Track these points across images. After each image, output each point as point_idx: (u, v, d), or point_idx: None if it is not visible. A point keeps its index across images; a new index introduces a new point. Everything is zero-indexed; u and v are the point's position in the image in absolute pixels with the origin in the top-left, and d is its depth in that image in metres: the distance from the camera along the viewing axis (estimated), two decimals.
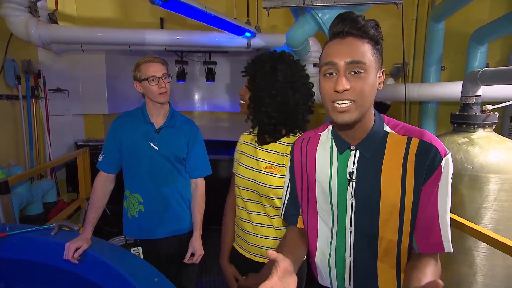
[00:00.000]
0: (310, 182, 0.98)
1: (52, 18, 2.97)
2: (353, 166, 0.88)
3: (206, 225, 1.69)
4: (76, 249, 1.32)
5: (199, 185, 1.69)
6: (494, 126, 1.71)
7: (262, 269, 1.24)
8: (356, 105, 0.80)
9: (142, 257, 1.58)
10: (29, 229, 1.45)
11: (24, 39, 2.70)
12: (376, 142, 0.86)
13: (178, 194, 1.65)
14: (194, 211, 1.67)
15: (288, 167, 1.08)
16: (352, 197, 0.88)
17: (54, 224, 1.48)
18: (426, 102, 3.21)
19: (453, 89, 2.49)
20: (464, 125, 1.72)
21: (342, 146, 0.91)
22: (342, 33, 0.80)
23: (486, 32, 2.66)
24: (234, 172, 1.40)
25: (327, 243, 0.96)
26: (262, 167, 1.25)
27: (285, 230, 1.23)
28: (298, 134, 1.25)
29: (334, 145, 0.93)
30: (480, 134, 1.67)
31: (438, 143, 0.82)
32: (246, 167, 1.32)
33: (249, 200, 1.31)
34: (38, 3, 2.74)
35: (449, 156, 0.81)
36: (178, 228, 1.66)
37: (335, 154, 0.92)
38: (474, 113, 1.70)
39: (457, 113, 1.77)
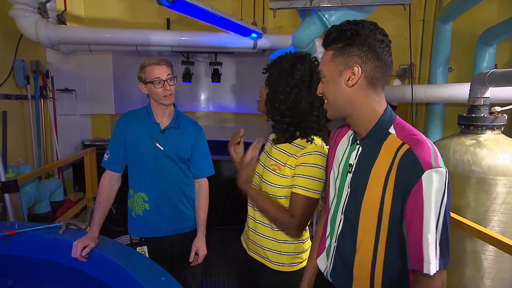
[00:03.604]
0: (329, 166, 1.05)
1: (61, 19, 3.00)
2: (354, 159, 0.94)
3: (210, 226, 1.70)
4: (84, 248, 1.34)
5: (202, 185, 1.71)
6: (502, 128, 1.69)
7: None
8: (328, 104, 0.94)
9: (147, 255, 1.60)
10: (38, 227, 1.47)
11: (33, 40, 2.74)
12: (375, 140, 0.89)
13: (181, 193, 1.67)
14: (198, 211, 1.69)
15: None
16: (348, 187, 0.94)
17: (62, 223, 1.50)
18: (433, 104, 3.19)
19: (461, 90, 2.47)
20: (472, 127, 1.70)
21: (354, 139, 0.98)
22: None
23: (495, 33, 2.63)
24: None
25: (328, 225, 1.04)
26: (269, 164, 1.27)
27: (282, 233, 1.24)
28: (313, 137, 1.23)
29: (352, 137, 1.00)
30: (488, 136, 1.66)
31: (425, 155, 0.78)
32: (260, 163, 1.34)
33: None
34: (47, 4, 2.77)
35: (436, 170, 0.76)
36: (182, 226, 1.68)
37: (350, 144, 0.99)
38: (482, 114, 1.68)
39: (464, 114, 1.76)
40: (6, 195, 2.00)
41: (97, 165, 3.30)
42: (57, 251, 1.39)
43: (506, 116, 1.68)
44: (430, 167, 0.77)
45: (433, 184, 0.77)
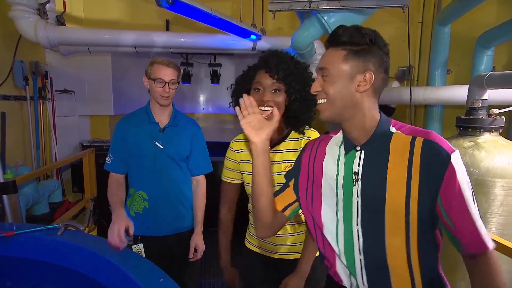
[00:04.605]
0: (315, 176, 0.98)
1: (60, 20, 3.00)
2: (358, 166, 0.89)
3: (207, 227, 1.70)
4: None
5: (200, 183, 1.72)
6: (500, 130, 1.70)
7: (297, 269, 1.21)
8: (327, 104, 0.88)
9: (143, 254, 1.60)
10: (36, 229, 1.46)
11: (32, 41, 2.74)
12: (380, 142, 0.88)
13: (180, 191, 1.68)
14: (195, 208, 1.71)
15: (295, 161, 1.07)
16: (358, 196, 0.89)
17: (60, 224, 1.49)
18: (432, 106, 3.20)
19: (459, 92, 2.48)
20: (470, 129, 1.71)
21: (348, 146, 0.93)
22: (326, 45, 0.93)
23: (493, 35, 2.65)
24: (229, 181, 1.42)
25: (335, 241, 0.96)
26: (283, 167, 1.25)
27: (297, 225, 1.25)
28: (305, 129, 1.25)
29: (343, 145, 0.95)
30: (486, 138, 1.67)
31: (443, 141, 0.82)
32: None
33: None
34: (47, 6, 2.77)
35: (457, 153, 0.81)
36: (180, 226, 1.69)
37: (342, 154, 0.94)
38: (480, 117, 1.69)
39: (463, 116, 1.77)
40: (5, 196, 1.99)
41: (96, 166, 3.30)
42: (56, 253, 1.39)
43: (504, 118, 1.69)
44: (452, 150, 0.80)
45: (460, 165, 0.81)
